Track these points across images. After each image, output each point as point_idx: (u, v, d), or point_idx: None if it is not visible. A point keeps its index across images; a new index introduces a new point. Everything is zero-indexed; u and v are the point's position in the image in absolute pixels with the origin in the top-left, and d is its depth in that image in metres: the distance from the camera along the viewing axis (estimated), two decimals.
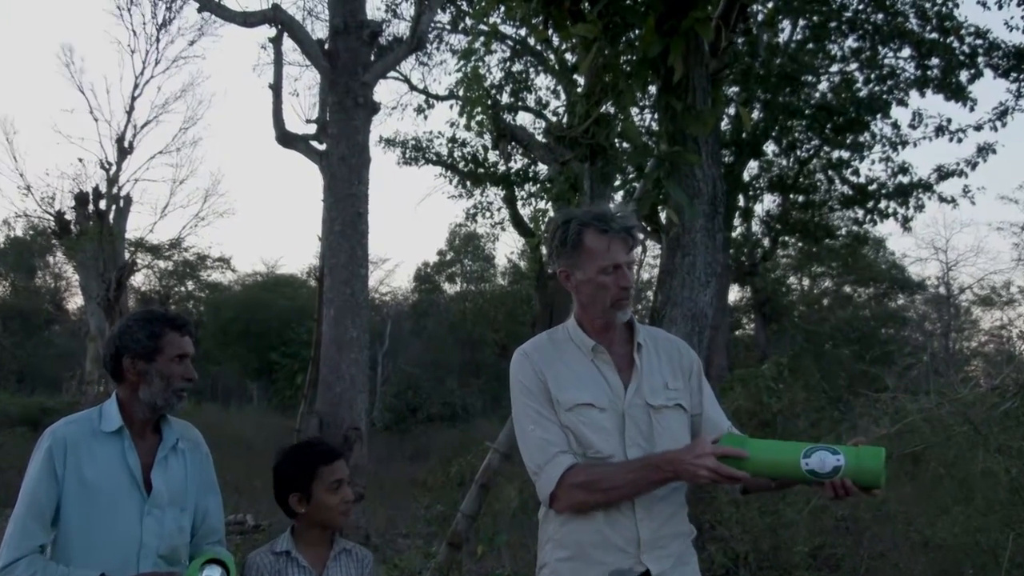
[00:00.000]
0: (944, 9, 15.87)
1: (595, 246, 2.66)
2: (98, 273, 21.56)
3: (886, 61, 17.08)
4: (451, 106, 25.32)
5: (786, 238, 24.35)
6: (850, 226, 21.72)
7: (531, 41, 18.25)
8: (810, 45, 17.34)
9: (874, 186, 18.82)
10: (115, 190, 23.79)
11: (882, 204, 18.70)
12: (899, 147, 17.94)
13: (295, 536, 3.12)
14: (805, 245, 25.59)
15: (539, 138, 16.82)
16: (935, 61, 16.17)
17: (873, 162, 18.85)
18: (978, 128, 16.65)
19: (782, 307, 29.65)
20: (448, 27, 20.59)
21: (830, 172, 19.47)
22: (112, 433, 2.99)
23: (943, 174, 17.92)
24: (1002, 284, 34.38)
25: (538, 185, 19.31)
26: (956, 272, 37.89)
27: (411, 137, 21.53)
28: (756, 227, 23.00)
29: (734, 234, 21.42)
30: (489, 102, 15.18)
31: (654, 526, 2.62)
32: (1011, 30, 15.24)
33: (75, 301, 38.96)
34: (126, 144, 24.60)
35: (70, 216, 23.41)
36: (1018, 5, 14.58)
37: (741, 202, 20.34)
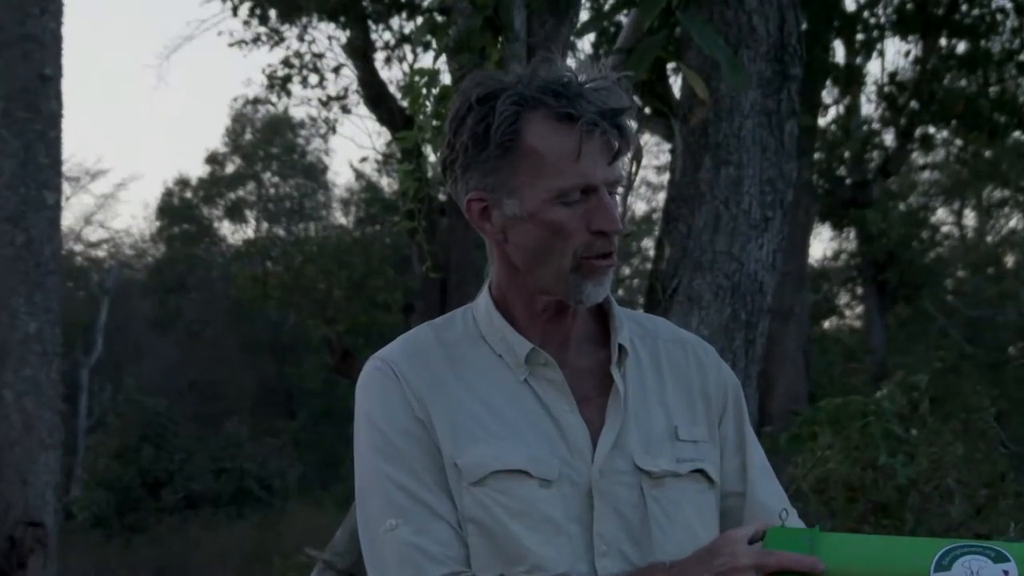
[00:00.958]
0: None
1: (547, 148, 1.89)
2: None
3: None
4: None
5: (931, 129, 14.81)
6: None
7: None
8: None
9: None
10: None
11: None
12: None
13: None
14: (969, 143, 15.57)
15: None
16: None
17: None
18: None
19: (919, 272, 19.12)
20: None
21: None
22: None
23: None
24: None
25: (421, 19, 10.62)
26: None
27: None
28: (871, 106, 14.86)
29: (824, 122, 14.06)
30: None
31: None
32: None
33: None
34: None
35: None
36: None
37: (840, 55, 12.89)
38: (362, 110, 14.82)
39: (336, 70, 14.06)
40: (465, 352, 2.06)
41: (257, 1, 13.17)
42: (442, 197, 13.00)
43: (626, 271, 22.90)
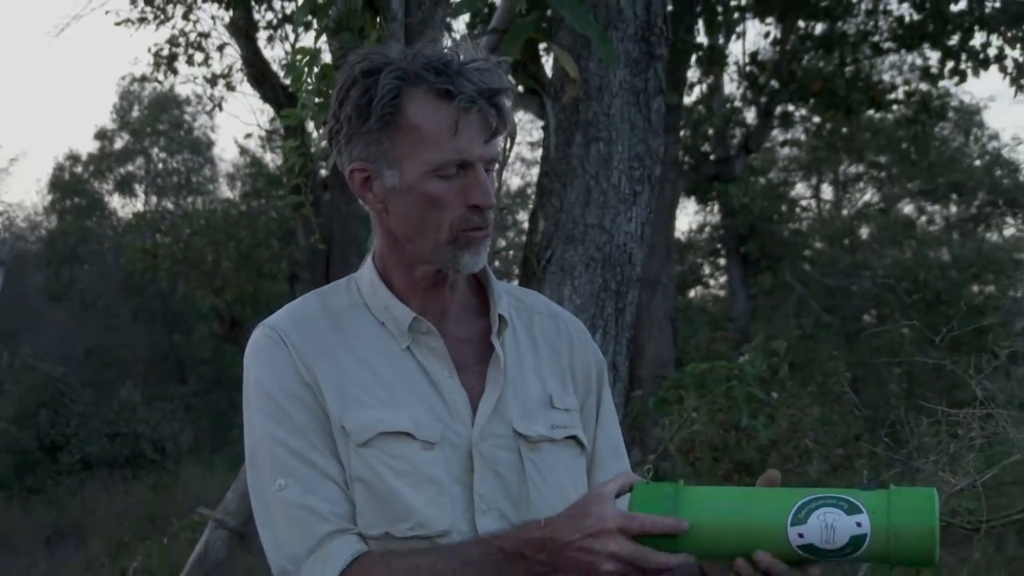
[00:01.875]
0: None
1: (426, 123, 1.90)
2: None
3: None
4: None
5: (790, 107, 15.70)
6: (915, 83, 14.34)
7: None
8: None
9: (960, 3, 11.76)
10: None
11: (976, 39, 11.79)
12: None
13: None
14: (826, 120, 15.99)
15: None
16: None
17: None
18: None
19: (779, 243, 19.34)
20: None
21: None
22: None
23: None
24: None
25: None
26: None
27: None
28: (732, 85, 14.84)
29: (689, 101, 13.88)
30: None
31: None
32: None
33: None
34: None
35: None
36: None
37: (702, 37, 12.50)
38: (246, 88, 15.03)
39: (220, 49, 14.09)
40: (350, 320, 2.07)
41: None
42: (324, 172, 12.92)
43: (502, 243, 22.91)
